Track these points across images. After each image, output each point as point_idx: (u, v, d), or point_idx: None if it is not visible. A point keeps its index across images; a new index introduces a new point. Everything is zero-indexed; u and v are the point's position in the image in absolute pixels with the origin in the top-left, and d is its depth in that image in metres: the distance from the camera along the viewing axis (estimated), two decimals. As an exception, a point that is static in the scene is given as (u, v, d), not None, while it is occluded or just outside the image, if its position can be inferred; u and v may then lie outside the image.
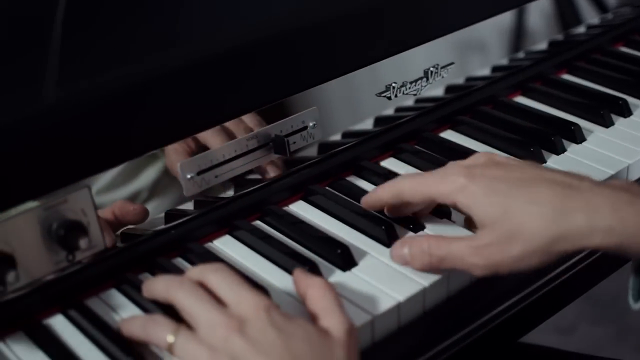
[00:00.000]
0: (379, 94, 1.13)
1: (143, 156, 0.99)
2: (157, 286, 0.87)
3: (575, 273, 1.04)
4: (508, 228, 0.86)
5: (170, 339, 0.80)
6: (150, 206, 1.04)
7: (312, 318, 0.84)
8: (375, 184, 1.09)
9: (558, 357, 1.29)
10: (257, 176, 1.06)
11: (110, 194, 0.98)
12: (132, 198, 1.08)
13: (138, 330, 0.84)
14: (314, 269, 0.94)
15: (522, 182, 0.88)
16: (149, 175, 1.07)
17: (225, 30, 1.06)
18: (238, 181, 1.04)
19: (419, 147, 1.17)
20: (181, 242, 1.01)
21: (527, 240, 0.86)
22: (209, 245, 1.02)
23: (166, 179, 1.02)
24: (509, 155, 1.08)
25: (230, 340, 0.78)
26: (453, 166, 0.93)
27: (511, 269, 0.88)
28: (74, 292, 0.94)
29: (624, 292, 1.04)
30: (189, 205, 1.03)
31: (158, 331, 0.82)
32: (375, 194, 0.99)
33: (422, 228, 1.01)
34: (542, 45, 1.38)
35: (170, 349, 0.80)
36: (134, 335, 0.85)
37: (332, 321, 0.82)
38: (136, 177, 1.06)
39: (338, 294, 0.85)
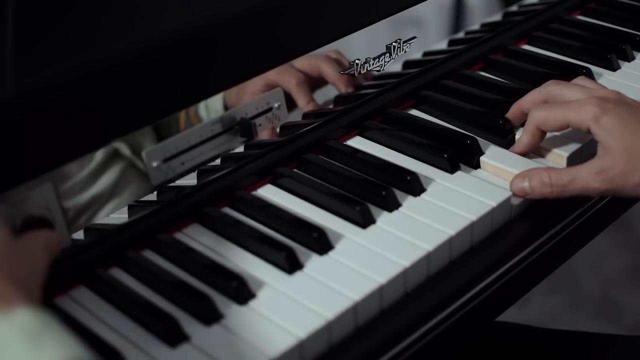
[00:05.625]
0: (343, 72, 1.10)
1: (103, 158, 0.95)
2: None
3: (546, 250, 1.04)
4: (633, 158, 0.96)
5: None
6: (112, 206, 1.02)
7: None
8: (343, 163, 1.06)
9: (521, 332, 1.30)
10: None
11: (73, 199, 0.95)
12: (94, 201, 1.06)
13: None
14: (290, 256, 0.92)
15: None
16: (109, 177, 1.05)
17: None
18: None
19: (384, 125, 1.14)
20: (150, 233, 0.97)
21: None
22: (177, 234, 0.98)
23: (125, 180, 0.99)
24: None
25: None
26: (589, 99, 1.01)
27: (629, 195, 0.99)
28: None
29: (575, 261, 1.05)
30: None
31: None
32: (521, 145, 1.07)
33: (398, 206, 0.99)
34: (497, 17, 1.37)
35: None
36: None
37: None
38: (97, 181, 1.04)
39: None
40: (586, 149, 1.08)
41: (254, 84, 1.06)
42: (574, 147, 1.08)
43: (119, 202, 1.06)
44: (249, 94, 1.05)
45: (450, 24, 1.34)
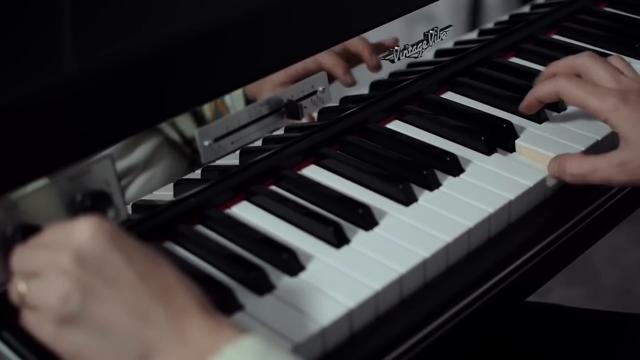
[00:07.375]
0: (383, 57, 1.14)
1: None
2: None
3: (580, 229, 1.07)
4: None
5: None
6: (145, 178, 1.05)
7: None
8: (384, 145, 1.10)
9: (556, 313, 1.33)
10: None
11: None
12: (128, 172, 1.09)
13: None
14: (338, 231, 0.95)
15: None
16: (144, 150, 1.08)
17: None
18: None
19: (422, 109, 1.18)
20: (200, 209, 1.01)
21: None
22: (226, 211, 1.02)
23: (160, 154, 1.02)
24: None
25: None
26: (612, 90, 1.03)
27: None
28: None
29: (592, 253, 1.08)
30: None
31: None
32: (533, 95, 1.10)
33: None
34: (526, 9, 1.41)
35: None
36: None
37: None
38: (132, 152, 1.06)
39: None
40: (602, 144, 1.12)
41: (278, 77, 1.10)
42: (590, 140, 1.12)
43: (152, 174, 1.08)
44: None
45: (466, 20, 1.37)
